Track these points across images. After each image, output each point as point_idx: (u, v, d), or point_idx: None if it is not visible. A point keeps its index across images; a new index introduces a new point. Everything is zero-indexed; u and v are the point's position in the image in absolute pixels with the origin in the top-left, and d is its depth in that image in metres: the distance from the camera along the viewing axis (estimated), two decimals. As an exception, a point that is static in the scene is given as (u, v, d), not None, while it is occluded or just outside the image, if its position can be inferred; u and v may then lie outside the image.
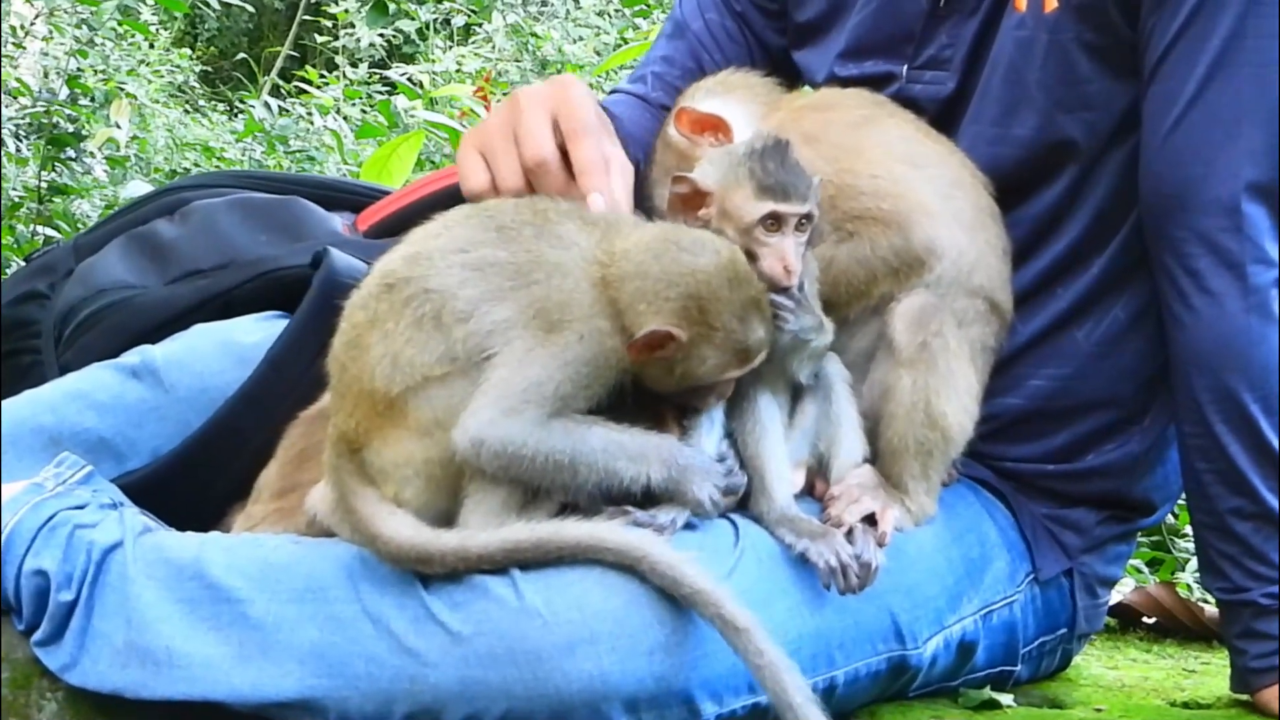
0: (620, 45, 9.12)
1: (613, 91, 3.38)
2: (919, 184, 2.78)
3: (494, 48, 9.51)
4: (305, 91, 9.74)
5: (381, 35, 10.80)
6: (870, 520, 2.67)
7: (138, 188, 6.47)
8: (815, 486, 2.73)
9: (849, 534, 2.63)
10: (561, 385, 2.45)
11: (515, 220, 2.56)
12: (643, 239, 2.54)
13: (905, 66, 2.99)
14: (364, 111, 9.45)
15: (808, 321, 2.57)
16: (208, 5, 9.68)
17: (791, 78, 3.18)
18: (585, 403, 2.48)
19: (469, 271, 2.50)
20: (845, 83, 3.03)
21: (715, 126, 2.84)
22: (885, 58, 3.02)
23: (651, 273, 2.48)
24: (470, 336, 2.47)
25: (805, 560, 2.60)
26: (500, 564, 2.46)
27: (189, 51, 12.26)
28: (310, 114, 9.45)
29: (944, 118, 2.95)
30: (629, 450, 2.47)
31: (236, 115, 10.83)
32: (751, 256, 2.53)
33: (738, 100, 2.93)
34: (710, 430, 2.60)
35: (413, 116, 7.64)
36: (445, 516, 2.53)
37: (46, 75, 7.95)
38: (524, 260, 2.51)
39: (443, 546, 2.46)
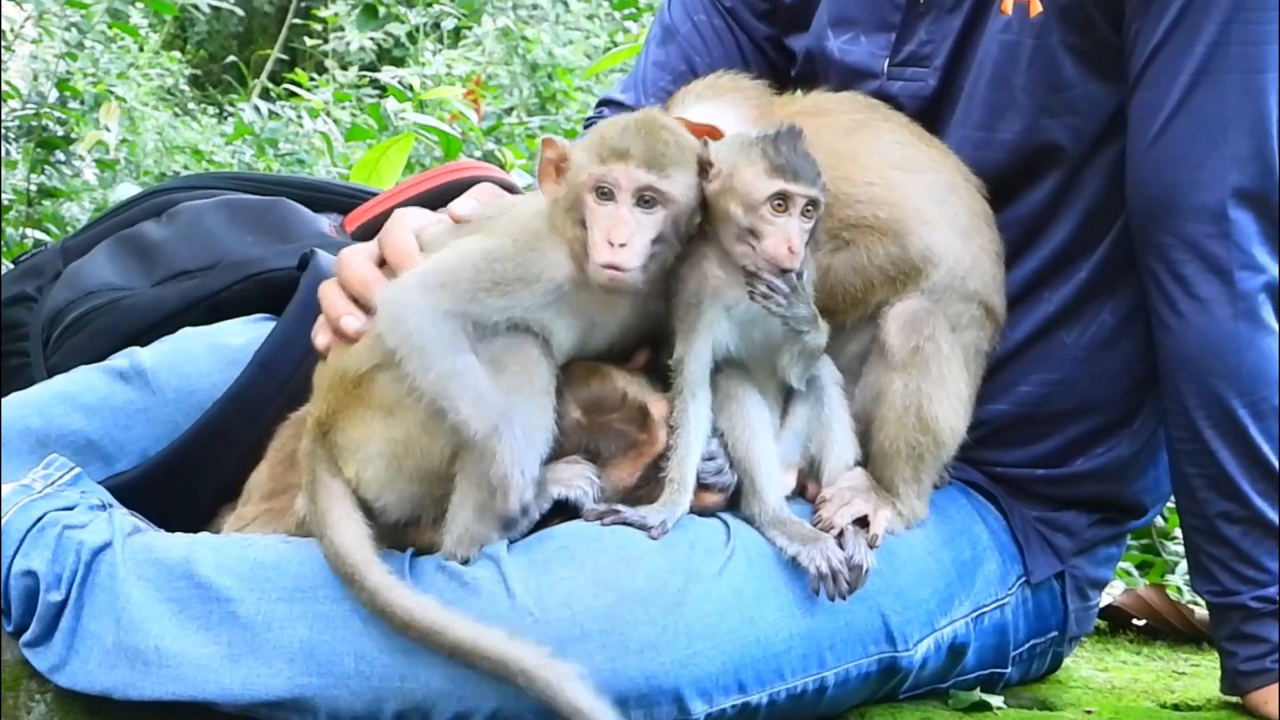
0: (610, 48, 9.10)
1: (601, 103, 3.38)
2: (915, 190, 2.78)
3: (484, 51, 9.49)
4: (295, 94, 9.72)
5: (371, 38, 10.78)
6: (862, 523, 2.67)
7: (127, 190, 6.45)
8: (807, 488, 2.73)
9: (840, 536, 2.63)
10: (481, 273, 2.51)
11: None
12: None
13: (885, 62, 2.99)
14: (354, 114, 9.42)
15: (801, 311, 2.55)
16: (197, 8, 9.67)
17: (783, 73, 3.18)
18: (502, 308, 2.51)
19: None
20: (827, 64, 3.04)
21: (709, 135, 2.84)
22: (865, 32, 3.02)
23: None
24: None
25: (796, 564, 2.60)
26: (396, 623, 2.46)
27: (178, 54, 12.20)
28: (300, 117, 9.43)
29: (926, 118, 2.94)
30: (480, 392, 2.45)
31: (226, 118, 10.79)
32: (756, 236, 2.53)
33: (729, 104, 2.92)
34: (698, 428, 2.60)
35: (403, 119, 7.63)
36: (411, 502, 2.56)
37: (36, 78, 7.92)
38: (488, 210, 2.69)
39: (366, 576, 2.47)
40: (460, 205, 2.74)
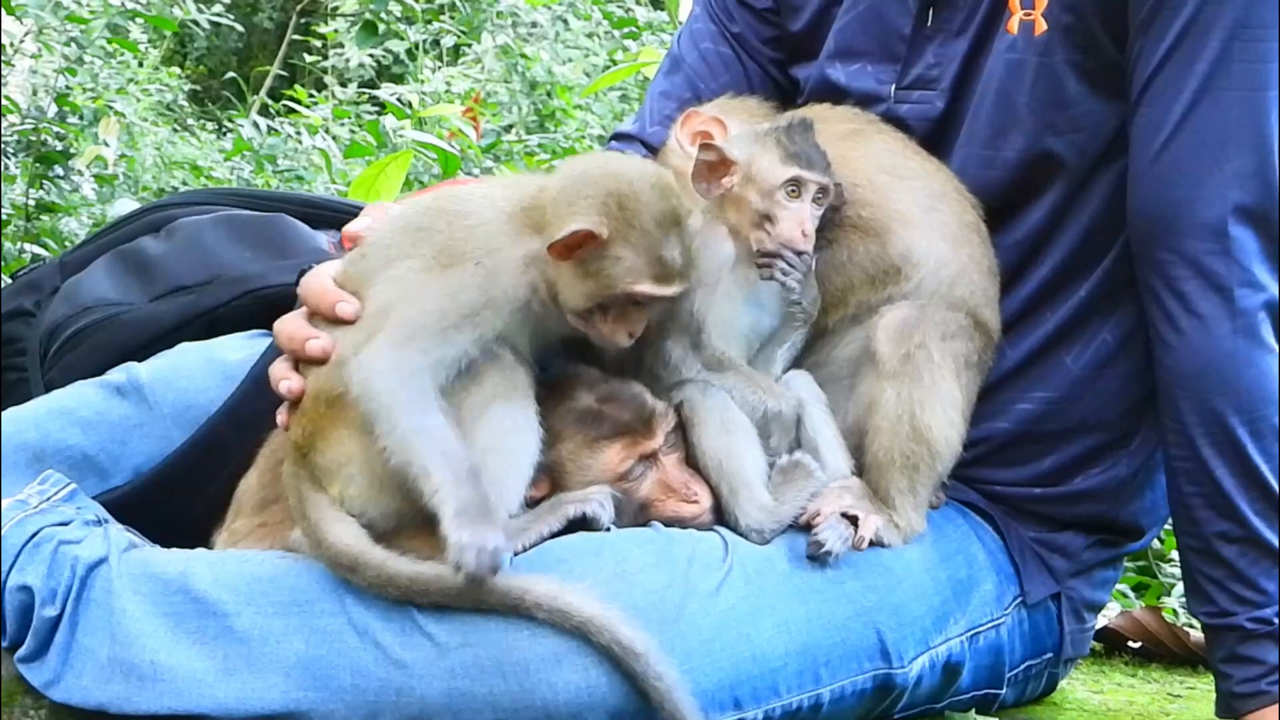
0: (609, 67, 9.13)
1: (613, 137, 3.40)
2: (900, 194, 2.81)
3: (483, 68, 9.50)
4: (294, 111, 9.72)
5: (371, 55, 10.78)
6: (853, 525, 2.68)
7: (125, 206, 6.44)
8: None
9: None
10: (447, 314, 2.49)
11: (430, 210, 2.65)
12: (576, 160, 2.65)
13: (893, 86, 3.00)
14: (353, 131, 9.43)
15: (811, 293, 2.65)
16: (197, 24, 9.68)
17: (789, 97, 3.20)
18: (473, 340, 2.50)
19: (390, 246, 2.62)
20: (836, 92, 3.05)
21: (706, 137, 2.87)
22: (872, 61, 3.04)
23: (574, 176, 2.56)
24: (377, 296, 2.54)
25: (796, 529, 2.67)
26: (406, 592, 2.47)
27: (178, 70, 12.23)
28: (299, 133, 9.44)
29: (933, 139, 2.96)
30: (451, 453, 2.43)
31: (225, 134, 10.81)
32: (771, 220, 2.63)
33: (735, 122, 2.95)
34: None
35: (401, 136, 7.64)
36: (396, 515, 2.55)
37: (35, 93, 7.92)
38: (430, 221, 2.60)
39: (369, 554, 2.49)
40: (354, 225, 2.75)
